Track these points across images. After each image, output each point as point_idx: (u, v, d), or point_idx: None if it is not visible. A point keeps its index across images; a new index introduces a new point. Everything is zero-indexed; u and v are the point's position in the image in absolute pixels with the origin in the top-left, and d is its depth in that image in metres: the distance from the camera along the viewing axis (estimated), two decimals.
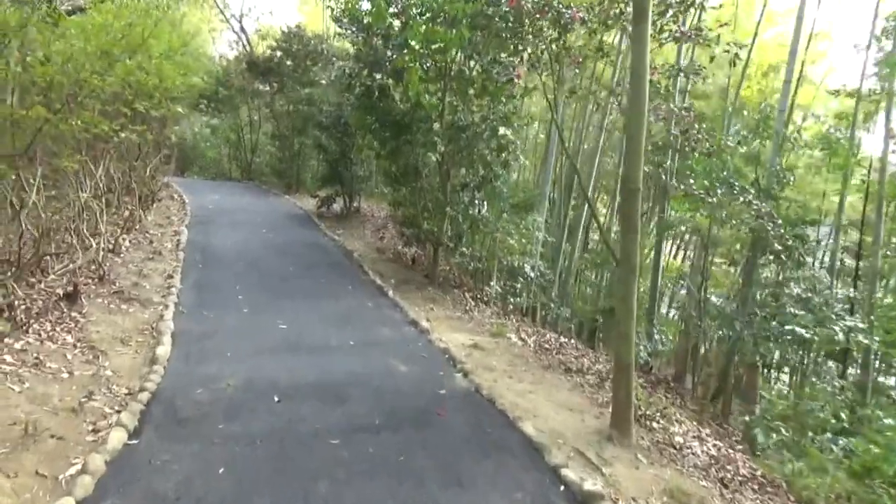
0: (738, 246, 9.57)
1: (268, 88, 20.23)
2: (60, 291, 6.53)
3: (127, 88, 7.81)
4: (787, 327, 6.73)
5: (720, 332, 8.85)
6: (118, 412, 4.56)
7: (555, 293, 12.60)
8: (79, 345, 5.72)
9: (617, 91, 6.85)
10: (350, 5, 8.87)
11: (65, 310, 6.37)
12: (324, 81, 17.72)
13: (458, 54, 10.20)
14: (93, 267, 7.72)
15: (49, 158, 6.69)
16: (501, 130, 9.43)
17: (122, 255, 9.22)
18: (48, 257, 6.84)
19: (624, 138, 12.41)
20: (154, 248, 10.15)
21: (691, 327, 9.45)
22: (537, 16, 6.61)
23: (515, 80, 7.56)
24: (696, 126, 6.96)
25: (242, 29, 23.22)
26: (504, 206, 11.13)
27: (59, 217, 7.76)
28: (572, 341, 9.43)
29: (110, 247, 9.22)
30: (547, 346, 8.43)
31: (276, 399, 5.14)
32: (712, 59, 7.19)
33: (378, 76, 11.35)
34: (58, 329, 5.90)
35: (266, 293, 8.60)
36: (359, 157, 15.16)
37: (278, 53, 19.23)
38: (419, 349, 7.03)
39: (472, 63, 10.37)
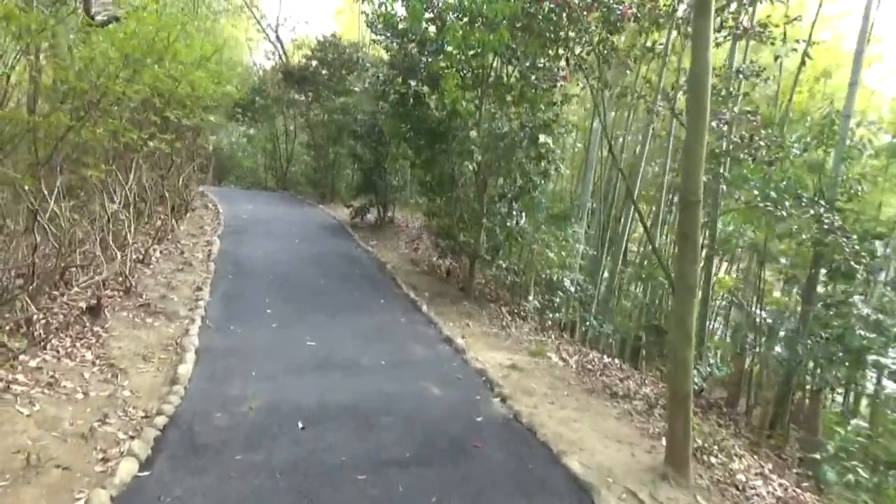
0: (785, 260, 8.86)
1: (303, 98, 20.17)
2: (83, 305, 6.31)
3: (157, 97, 7.61)
4: (870, 357, 6.09)
5: (777, 354, 8.21)
6: (132, 438, 4.25)
7: (594, 308, 12.07)
8: (98, 362, 5.47)
9: (670, 94, 6.33)
10: (384, 8, 8.50)
11: (87, 324, 6.15)
12: (357, 88, 17.53)
13: (496, 59, 9.83)
14: (120, 279, 7.54)
15: (74, 168, 6.49)
16: (541, 138, 8.98)
17: (151, 266, 9.05)
18: (73, 269, 6.64)
19: (669, 145, 11.86)
20: (185, 258, 9.98)
21: (745, 348, 8.81)
22: (584, 13, 6.15)
23: (560, 84, 7.07)
24: (762, 132, 6.37)
25: (278, 38, 23.29)
26: (542, 216, 10.67)
27: (90, 227, 7.62)
28: (616, 361, 8.89)
29: (140, 257, 9.08)
30: (590, 366, 7.92)
31: (300, 425, 4.78)
32: (776, 58, 6.61)
33: (413, 83, 11.06)
34: (78, 345, 5.67)
35: (296, 306, 8.30)
36: (393, 167, 14.88)
37: (314, 62, 19.15)
38: (454, 370, 6.61)
39: (509, 69, 9.98)
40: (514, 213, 10.08)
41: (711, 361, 6.01)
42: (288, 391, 5.44)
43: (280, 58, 23.10)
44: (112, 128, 5.90)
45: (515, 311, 10.83)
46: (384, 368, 6.35)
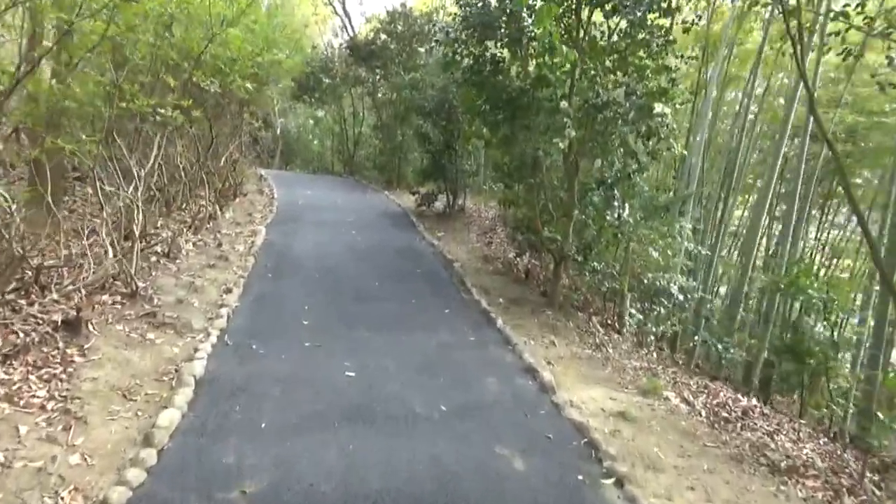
0: None
1: (371, 75, 18.64)
2: (58, 318, 4.86)
3: (178, 55, 6.08)
4: None
5: None
6: None
7: (705, 322, 9.91)
8: (51, 405, 3.97)
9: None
10: None
11: (60, 344, 4.70)
12: (423, 50, 15.77)
13: (594, 13, 7.86)
14: (127, 279, 6.12)
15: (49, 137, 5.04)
16: (658, 108, 6.94)
17: (178, 262, 7.66)
18: (59, 270, 5.21)
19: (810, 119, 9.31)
20: (222, 251, 8.56)
21: None
22: None
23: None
24: None
25: (345, 11, 21.86)
26: (637, 207, 8.58)
27: (102, 216, 6.23)
28: (754, 402, 6.75)
29: (165, 251, 7.72)
30: (724, 413, 5.88)
31: None
32: None
33: (490, 45, 9.20)
34: (32, 377, 4.20)
35: (338, 318, 6.68)
36: (465, 148, 13.09)
37: (382, 36, 17.56)
38: (541, 422, 4.76)
39: (611, 24, 7.96)
40: (616, 203, 8.04)
41: None
42: (304, 461, 3.76)
43: (347, 32, 21.67)
44: (88, 86, 4.38)
45: (608, 321, 8.87)
46: (444, 420, 4.58)
